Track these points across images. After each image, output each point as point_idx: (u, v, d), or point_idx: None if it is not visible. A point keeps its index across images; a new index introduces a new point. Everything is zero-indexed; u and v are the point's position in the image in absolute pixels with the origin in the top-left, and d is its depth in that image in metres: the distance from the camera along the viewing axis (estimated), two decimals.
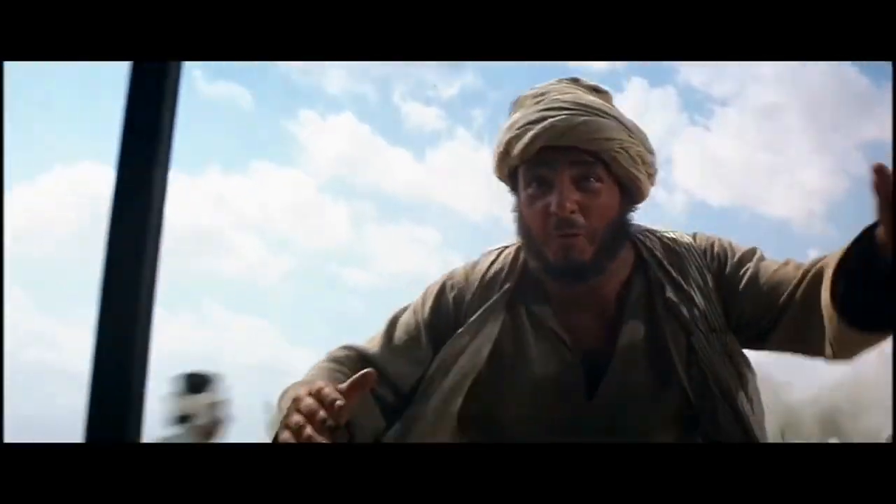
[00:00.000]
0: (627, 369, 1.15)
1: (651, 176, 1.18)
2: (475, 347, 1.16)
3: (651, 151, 1.18)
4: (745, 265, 1.18)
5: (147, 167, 1.10)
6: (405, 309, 1.24)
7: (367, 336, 1.24)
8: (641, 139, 1.16)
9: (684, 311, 1.15)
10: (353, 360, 1.18)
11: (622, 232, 1.17)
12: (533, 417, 1.16)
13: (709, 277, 1.18)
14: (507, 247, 1.26)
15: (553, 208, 1.10)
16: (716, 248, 1.21)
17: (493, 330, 1.17)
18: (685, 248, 1.21)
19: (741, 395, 1.14)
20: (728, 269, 1.18)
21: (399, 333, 1.21)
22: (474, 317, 1.18)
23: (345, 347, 1.20)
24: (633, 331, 1.16)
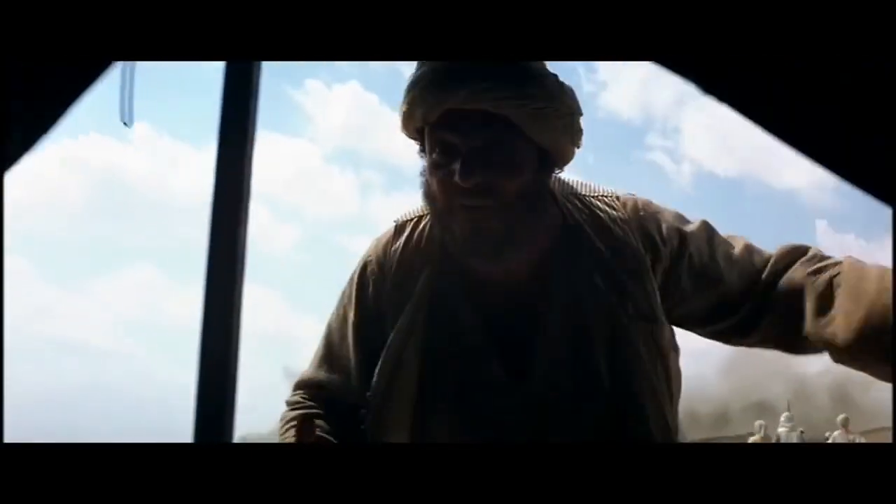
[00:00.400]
0: (551, 359, 1.08)
1: (574, 137, 1.08)
2: (408, 353, 1.10)
3: (573, 112, 1.07)
4: (701, 254, 1.13)
5: (240, 156, 1.19)
6: (335, 310, 1.23)
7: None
8: (562, 99, 1.06)
9: (611, 297, 1.08)
10: (310, 396, 1.21)
11: (539, 200, 1.08)
12: (462, 415, 1.09)
13: (647, 259, 1.11)
14: (420, 217, 1.18)
15: (457, 177, 1.00)
16: (664, 232, 1.13)
17: (419, 328, 1.11)
18: (620, 224, 1.12)
19: (663, 387, 1.09)
20: (680, 258, 1.12)
21: (334, 348, 1.21)
22: (402, 318, 1.12)
23: (295, 390, 1.23)
24: (556, 318, 1.08)
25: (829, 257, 1.13)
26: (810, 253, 1.14)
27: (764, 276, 1.13)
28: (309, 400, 1.21)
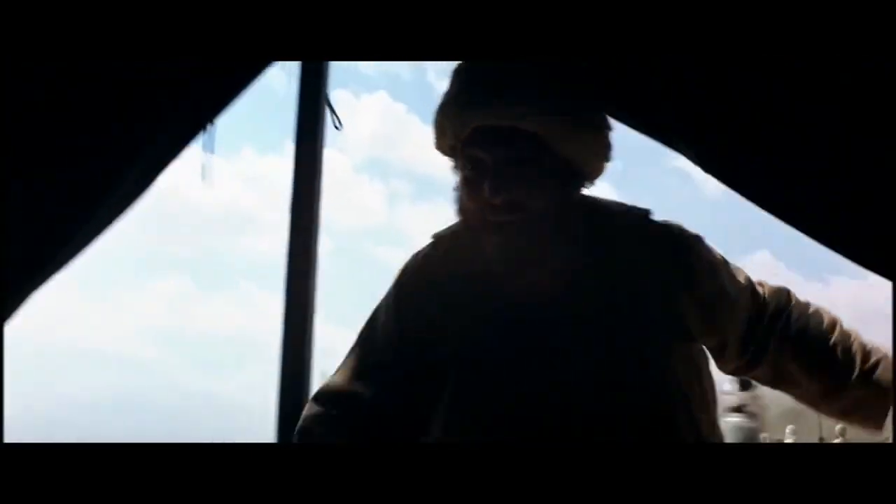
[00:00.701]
0: (583, 372, 1.07)
1: (603, 152, 1.09)
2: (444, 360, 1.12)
3: (602, 127, 1.08)
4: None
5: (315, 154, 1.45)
6: (370, 323, 1.22)
7: None
8: (590, 115, 1.07)
9: (640, 314, 1.07)
10: (341, 409, 1.18)
11: (567, 216, 1.07)
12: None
13: (681, 292, 1.10)
14: (457, 231, 1.17)
15: (487, 194, 1.02)
16: (703, 262, 1.13)
17: (456, 338, 1.12)
18: (650, 243, 1.11)
19: (699, 402, 1.10)
20: (718, 298, 1.13)
21: (368, 360, 1.18)
22: (439, 328, 1.13)
23: (320, 403, 1.20)
24: (586, 335, 1.07)
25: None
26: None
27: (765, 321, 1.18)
28: (338, 412, 1.19)
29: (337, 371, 1.22)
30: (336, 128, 1.53)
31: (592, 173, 1.10)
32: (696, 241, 1.14)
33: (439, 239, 1.20)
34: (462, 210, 1.10)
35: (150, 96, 1.26)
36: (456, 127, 1.06)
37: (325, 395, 1.21)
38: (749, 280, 1.18)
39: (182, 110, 1.31)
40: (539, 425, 1.05)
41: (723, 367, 1.20)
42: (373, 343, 1.20)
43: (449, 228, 1.18)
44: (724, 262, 1.16)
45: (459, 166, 1.09)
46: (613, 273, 1.09)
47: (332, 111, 1.52)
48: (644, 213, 1.15)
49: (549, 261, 1.06)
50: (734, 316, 1.15)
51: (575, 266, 1.09)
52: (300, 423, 1.20)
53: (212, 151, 1.37)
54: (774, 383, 1.20)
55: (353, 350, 1.22)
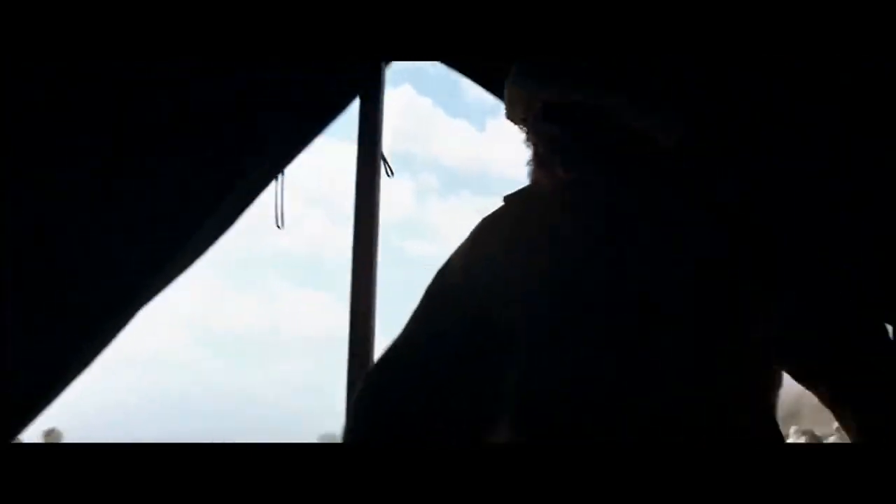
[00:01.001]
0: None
1: (670, 124, 1.07)
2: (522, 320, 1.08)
3: (667, 99, 1.08)
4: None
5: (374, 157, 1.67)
6: (439, 280, 1.17)
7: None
8: (654, 87, 1.07)
9: (702, 295, 1.00)
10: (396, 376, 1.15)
11: (640, 191, 1.06)
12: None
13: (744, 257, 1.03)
14: (529, 192, 1.15)
15: (558, 170, 1.04)
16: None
17: (534, 296, 1.08)
18: (728, 217, 1.05)
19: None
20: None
21: (434, 321, 1.14)
22: (515, 287, 1.08)
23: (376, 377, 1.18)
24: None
25: None
26: None
27: None
28: (403, 378, 1.15)
29: (400, 337, 1.17)
30: (388, 175, 1.74)
31: (664, 145, 1.08)
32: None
33: (510, 201, 1.17)
34: (535, 182, 1.10)
35: (237, 150, 1.46)
36: (525, 101, 1.08)
37: (388, 363, 1.17)
38: None
39: (261, 160, 1.51)
40: (620, 412, 0.99)
41: None
42: (441, 305, 1.16)
43: (520, 191, 1.16)
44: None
45: (531, 140, 1.09)
46: (685, 247, 1.04)
47: (386, 163, 1.72)
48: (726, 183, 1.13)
49: (618, 236, 1.05)
50: None
51: (649, 242, 1.05)
52: (362, 392, 1.17)
53: (283, 198, 1.61)
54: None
55: (418, 314, 1.17)
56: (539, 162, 1.08)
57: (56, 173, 1.39)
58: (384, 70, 1.67)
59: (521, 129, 1.11)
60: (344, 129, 1.69)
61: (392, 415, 1.13)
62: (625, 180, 1.05)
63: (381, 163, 1.70)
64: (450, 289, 1.15)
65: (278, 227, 1.64)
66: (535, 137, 1.08)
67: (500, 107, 1.17)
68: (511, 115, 1.12)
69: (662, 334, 1.00)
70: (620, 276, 1.03)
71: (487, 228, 1.16)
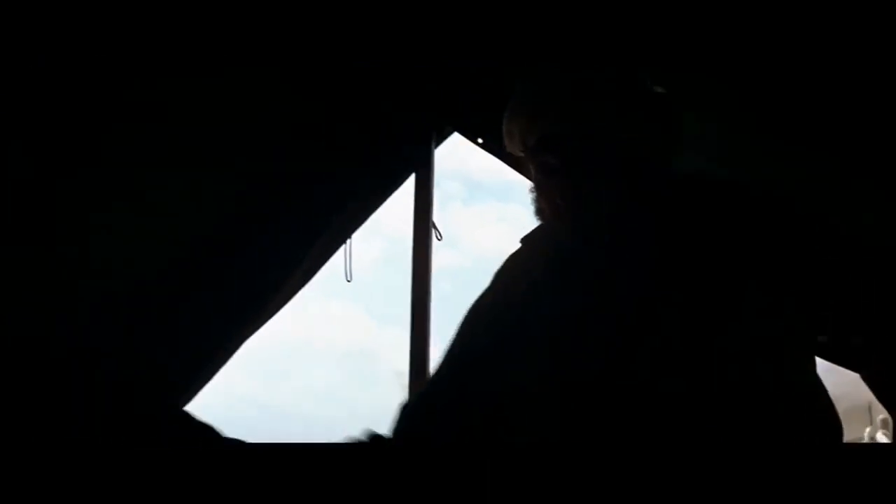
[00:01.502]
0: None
1: (670, 143, 1.12)
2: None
3: (661, 120, 1.12)
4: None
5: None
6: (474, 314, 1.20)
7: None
8: (649, 109, 1.11)
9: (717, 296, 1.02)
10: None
11: (641, 206, 1.09)
12: None
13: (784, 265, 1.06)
14: (538, 229, 1.23)
15: (559, 200, 1.11)
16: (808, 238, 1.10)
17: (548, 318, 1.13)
18: (748, 212, 1.08)
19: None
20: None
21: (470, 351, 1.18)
22: (534, 310, 1.13)
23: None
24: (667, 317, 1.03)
25: None
26: None
27: None
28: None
29: (443, 359, 1.21)
30: (438, 239, 2.18)
31: (661, 161, 1.13)
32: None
33: (525, 240, 1.24)
34: (539, 211, 1.18)
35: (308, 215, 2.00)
36: (520, 134, 1.15)
37: (436, 378, 1.21)
38: None
39: (330, 227, 2.02)
40: (632, 410, 1.01)
41: None
42: (472, 334, 1.20)
43: (533, 230, 1.23)
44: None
45: (532, 170, 1.16)
46: (694, 255, 1.06)
47: (436, 228, 2.16)
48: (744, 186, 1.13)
49: (625, 251, 1.08)
50: None
51: (654, 254, 1.08)
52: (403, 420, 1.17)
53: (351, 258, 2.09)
54: None
55: (450, 352, 1.21)
56: (540, 191, 1.15)
57: None
58: (434, 152, 2.15)
59: (522, 158, 1.18)
60: None
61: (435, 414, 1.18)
62: (622, 198, 1.09)
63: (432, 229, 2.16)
64: (482, 315, 1.21)
65: (348, 280, 2.12)
66: (534, 167, 1.15)
67: None
68: (511, 148, 1.19)
69: (670, 336, 1.02)
70: (623, 288, 1.07)
71: (509, 263, 1.24)
